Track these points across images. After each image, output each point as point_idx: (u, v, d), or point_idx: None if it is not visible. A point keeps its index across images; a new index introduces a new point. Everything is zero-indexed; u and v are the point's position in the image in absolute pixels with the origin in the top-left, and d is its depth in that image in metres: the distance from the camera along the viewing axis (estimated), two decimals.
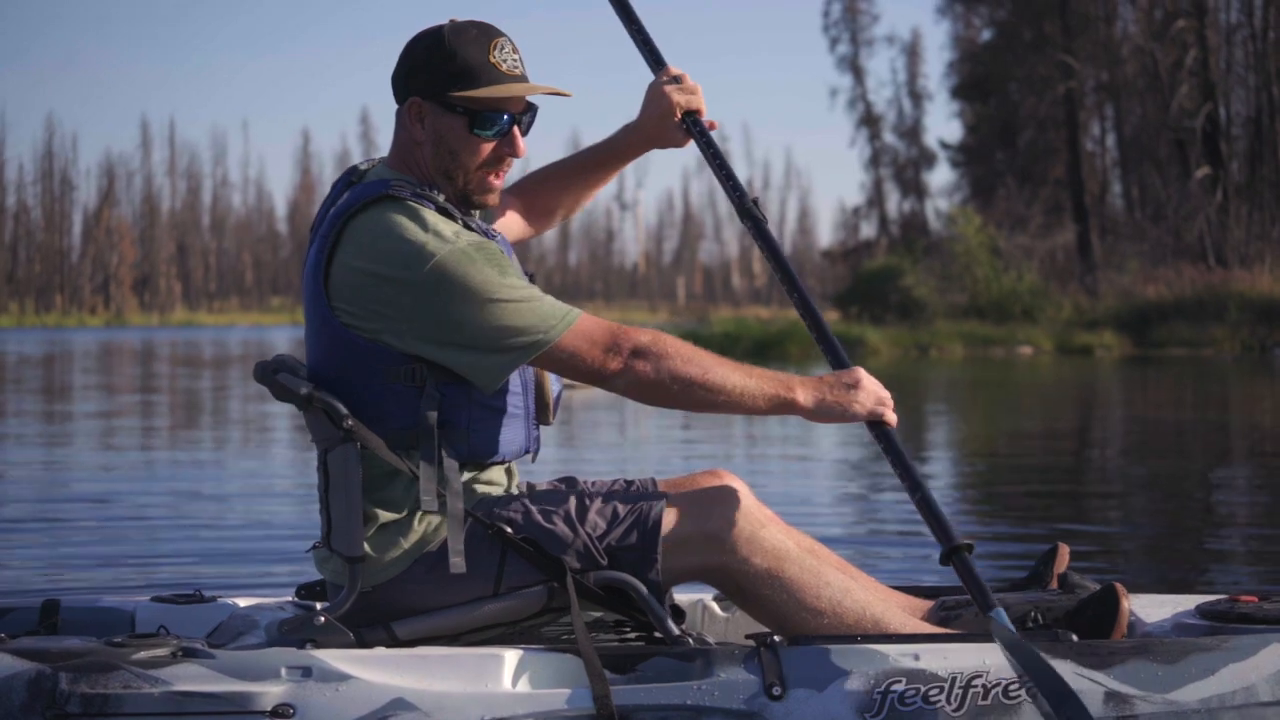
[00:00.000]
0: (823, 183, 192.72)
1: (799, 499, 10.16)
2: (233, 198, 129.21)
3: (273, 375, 3.84)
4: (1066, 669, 3.67)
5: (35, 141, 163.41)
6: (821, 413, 3.85)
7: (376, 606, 3.81)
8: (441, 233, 3.71)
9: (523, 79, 3.90)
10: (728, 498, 3.88)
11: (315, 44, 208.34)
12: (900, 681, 3.67)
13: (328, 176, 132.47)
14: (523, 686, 3.66)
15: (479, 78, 3.83)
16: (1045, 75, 57.06)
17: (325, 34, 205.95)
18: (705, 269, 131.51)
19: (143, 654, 3.61)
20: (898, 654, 3.70)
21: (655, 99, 4.29)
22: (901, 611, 3.98)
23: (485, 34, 3.86)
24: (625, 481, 4.14)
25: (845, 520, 9.32)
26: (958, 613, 4.10)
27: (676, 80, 4.30)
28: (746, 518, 3.85)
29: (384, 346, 3.75)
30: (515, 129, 3.90)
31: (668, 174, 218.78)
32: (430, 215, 3.75)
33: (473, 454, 3.84)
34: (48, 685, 3.56)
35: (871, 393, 3.89)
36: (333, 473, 3.80)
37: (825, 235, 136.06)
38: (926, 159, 77.03)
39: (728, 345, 40.24)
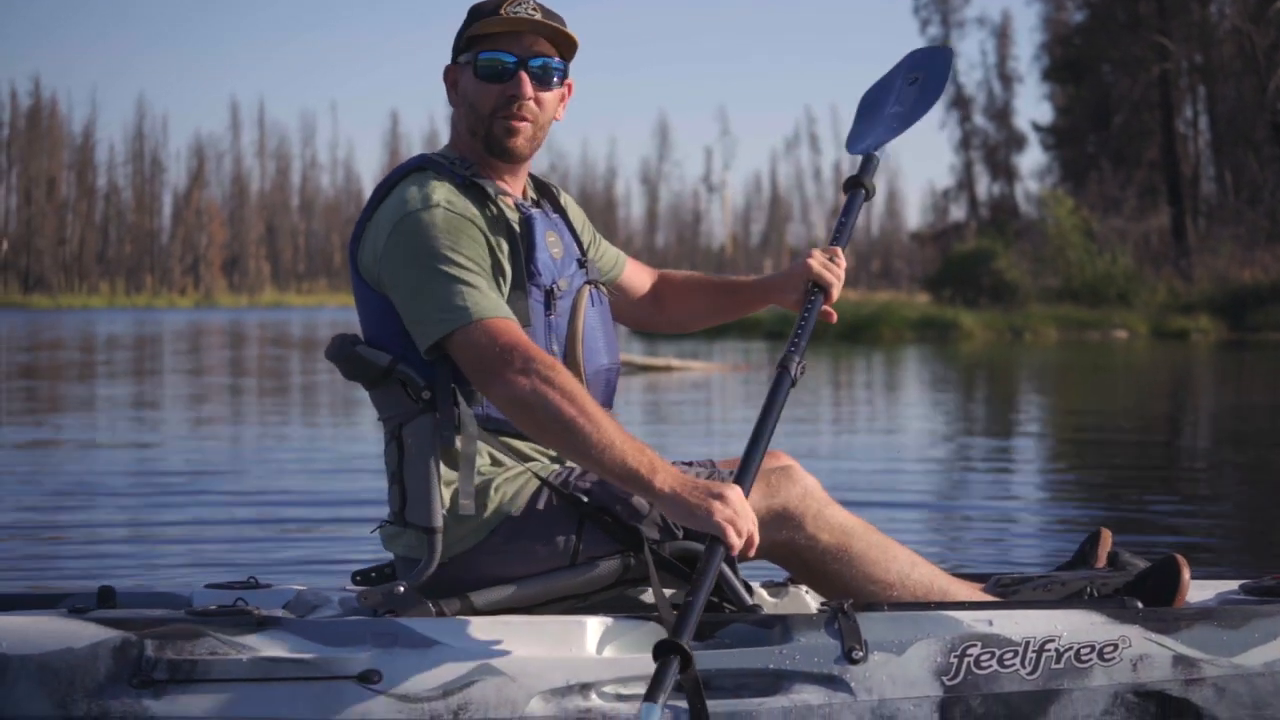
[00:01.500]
0: (911, 165, 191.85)
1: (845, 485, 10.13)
2: (321, 179, 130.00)
3: (351, 348, 3.87)
4: (1134, 633, 3.77)
5: (126, 123, 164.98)
6: (676, 504, 3.61)
7: (453, 577, 3.82)
8: (429, 197, 3.78)
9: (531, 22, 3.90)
10: (794, 477, 3.90)
11: (404, 24, 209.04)
12: (976, 645, 3.71)
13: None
14: (607, 652, 3.68)
15: (481, 21, 3.88)
16: (1140, 57, 56.44)
17: (414, 14, 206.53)
18: (792, 251, 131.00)
19: (230, 621, 3.63)
20: (971, 620, 3.74)
21: (799, 262, 4.29)
22: (970, 587, 4.01)
23: None
24: (684, 463, 4.09)
25: (887, 507, 9.27)
26: (1014, 589, 4.14)
27: (830, 257, 4.28)
28: (813, 495, 3.88)
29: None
30: (522, 73, 3.89)
31: (756, 156, 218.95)
32: (442, 183, 3.83)
33: (490, 419, 3.83)
34: (134, 652, 3.57)
35: (735, 513, 3.59)
36: (409, 445, 3.81)
37: (913, 218, 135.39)
38: (1016, 142, 76.66)
39: (820, 327, 40.05)
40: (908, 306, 45.95)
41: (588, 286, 4.01)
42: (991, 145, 77.24)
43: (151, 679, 3.55)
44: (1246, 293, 42.81)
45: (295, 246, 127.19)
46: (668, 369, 25.64)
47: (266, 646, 3.59)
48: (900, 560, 3.91)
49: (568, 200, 4.19)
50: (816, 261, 4.24)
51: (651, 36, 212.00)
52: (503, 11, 3.86)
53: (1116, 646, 3.76)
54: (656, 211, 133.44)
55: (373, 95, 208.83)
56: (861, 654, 3.66)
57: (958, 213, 77.25)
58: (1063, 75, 63.05)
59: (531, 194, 4.08)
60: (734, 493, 3.63)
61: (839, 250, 4.29)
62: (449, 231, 3.74)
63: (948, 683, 3.68)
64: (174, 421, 15.88)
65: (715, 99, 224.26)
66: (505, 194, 3.93)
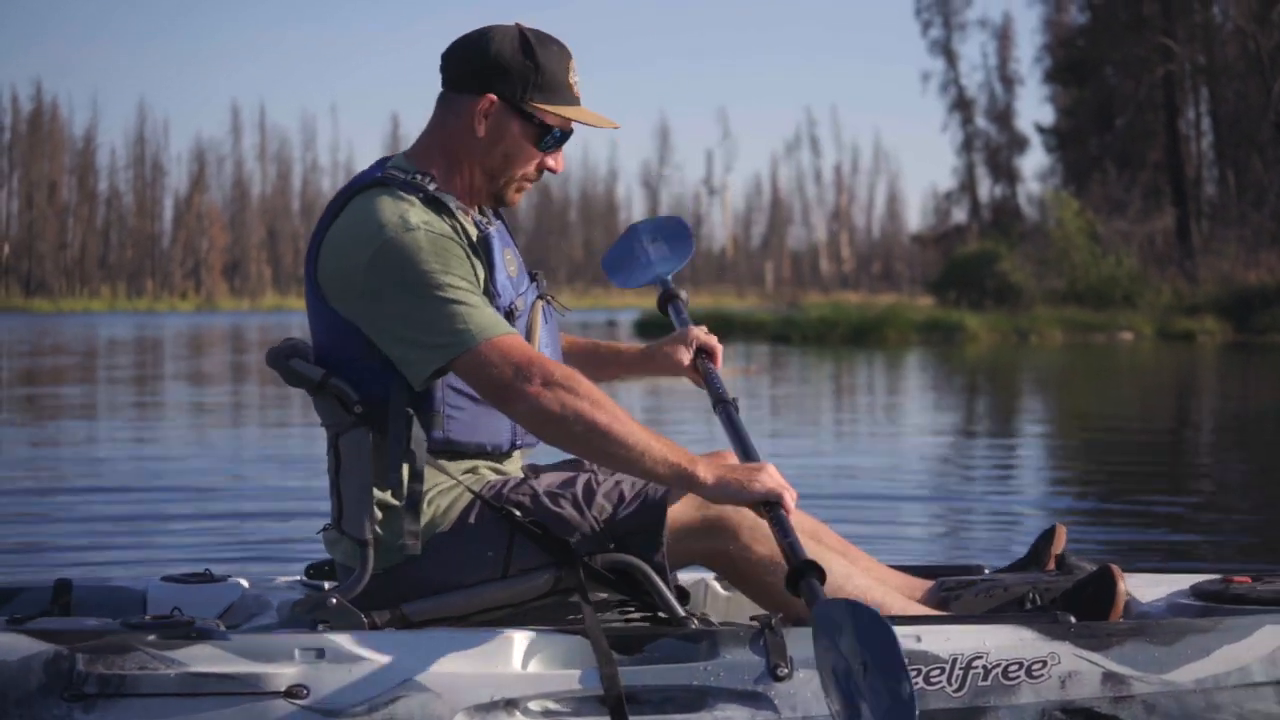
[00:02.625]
0: (911, 167, 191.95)
1: (810, 482, 10.14)
2: (323, 182, 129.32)
3: (285, 361, 3.94)
4: (1064, 649, 3.77)
5: (127, 127, 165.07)
6: (720, 489, 3.72)
7: (387, 588, 3.87)
8: (406, 219, 3.76)
9: (580, 102, 4.00)
10: None
11: (403, 26, 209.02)
12: None
13: None
14: (532, 667, 3.72)
15: (558, 95, 3.92)
16: (1143, 58, 56.30)
17: (413, 16, 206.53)
18: (793, 254, 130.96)
19: (158, 635, 3.68)
20: (900, 636, 3.58)
21: (681, 334, 4.46)
22: (902, 596, 4.03)
23: (565, 53, 3.96)
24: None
25: (851, 502, 9.30)
26: (957, 593, 4.15)
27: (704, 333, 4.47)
28: None
29: (356, 323, 3.82)
30: (562, 148, 4.02)
31: (756, 158, 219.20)
32: (407, 202, 3.81)
33: (449, 440, 3.89)
34: (65, 666, 3.62)
35: (774, 478, 3.73)
36: (344, 457, 3.87)
37: (914, 220, 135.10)
38: (1018, 144, 76.55)
39: (824, 330, 40.01)
40: (912, 309, 45.91)
41: (540, 302, 4.10)
42: (993, 147, 77.15)
43: (82, 692, 3.60)
44: (1252, 294, 42.75)
45: (296, 250, 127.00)
46: None
47: (195, 660, 3.64)
48: (834, 573, 3.88)
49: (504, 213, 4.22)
50: (695, 331, 4.43)
51: (651, 38, 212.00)
52: (572, 84, 3.95)
53: (1045, 663, 3.76)
54: (657, 214, 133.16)
55: (373, 97, 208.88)
56: (786, 671, 3.68)
57: (959, 215, 77.15)
58: (1065, 77, 62.96)
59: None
60: (766, 466, 3.73)
61: (704, 328, 4.46)
62: (436, 254, 3.74)
63: None
64: (170, 421, 15.87)
65: (716, 101, 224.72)
66: (465, 210, 3.95)
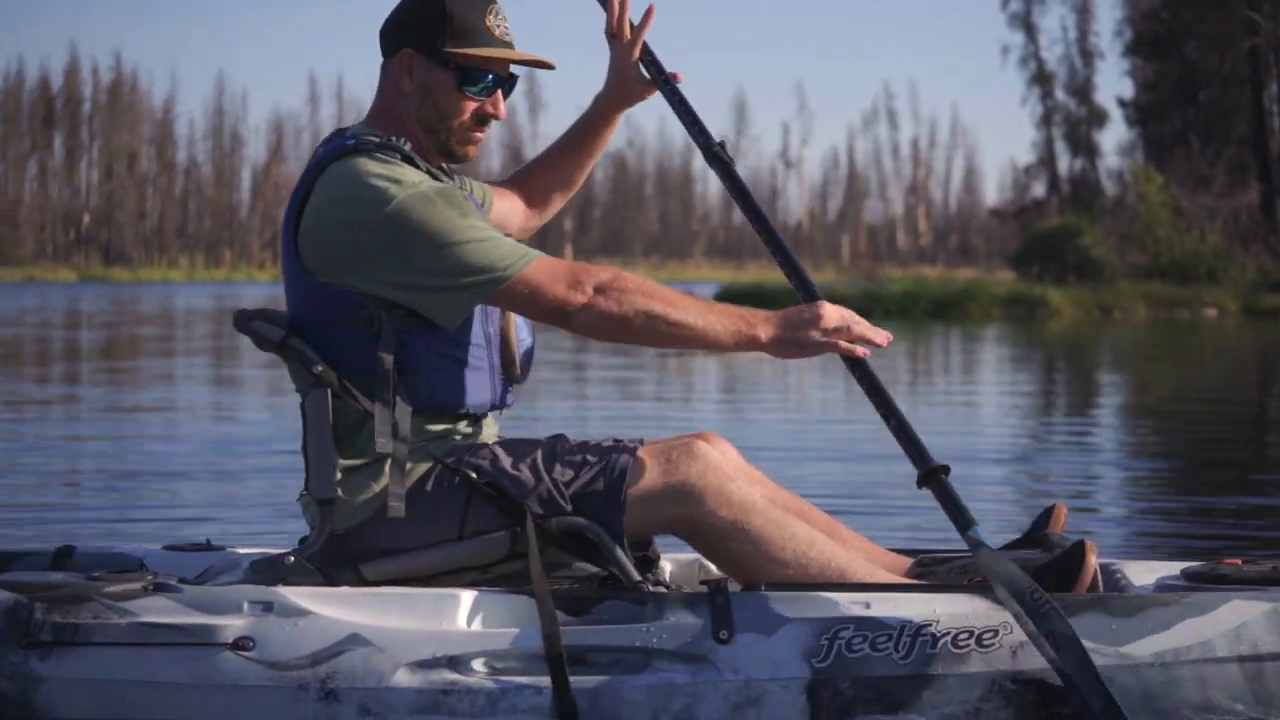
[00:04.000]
0: (989, 141, 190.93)
1: (803, 464, 10.16)
2: None
3: (248, 324, 3.99)
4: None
5: (206, 98, 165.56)
6: (785, 345, 3.87)
7: (347, 548, 3.92)
8: (402, 179, 3.83)
9: (511, 45, 4.05)
10: (696, 452, 3.93)
11: None
12: (848, 628, 3.72)
13: (494, 135, 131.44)
14: (476, 626, 3.77)
15: (474, 38, 3.98)
16: (1228, 31, 55.68)
17: None
18: (870, 227, 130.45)
19: (115, 588, 3.78)
20: (848, 602, 3.76)
21: (614, 55, 4.37)
22: (869, 565, 4.01)
23: None
24: (614, 440, 4.11)
25: (852, 487, 9.23)
26: (931, 569, 4.15)
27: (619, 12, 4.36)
28: (714, 471, 3.90)
29: (345, 291, 3.86)
30: (499, 91, 4.05)
31: (833, 132, 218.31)
32: (394, 164, 3.88)
33: (432, 402, 3.95)
34: (24, 615, 3.74)
35: (834, 318, 3.88)
36: (308, 418, 3.92)
37: (991, 194, 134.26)
38: (1097, 118, 75.89)
39: (906, 305, 39.79)
40: (994, 284, 45.60)
41: None
42: (1073, 121, 76.53)
43: (39, 640, 3.72)
44: None
45: None
46: None
47: (147, 612, 3.74)
48: (798, 539, 3.90)
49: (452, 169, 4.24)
50: (630, 44, 4.32)
51: (729, 12, 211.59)
52: (490, 27, 4.00)
53: (997, 633, 3.73)
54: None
55: None
56: (728, 634, 3.71)
57: (1038, 189, 76.61)
58: (1146, 50, 62.33)
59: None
60: (824, 308, 3.86)
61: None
62: (447, 202, 3.83)
63: (816, 665, 3.70)
64: (249, 391, 15.88)
65: (793, 75, 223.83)
66: (438, 173, 4.04)
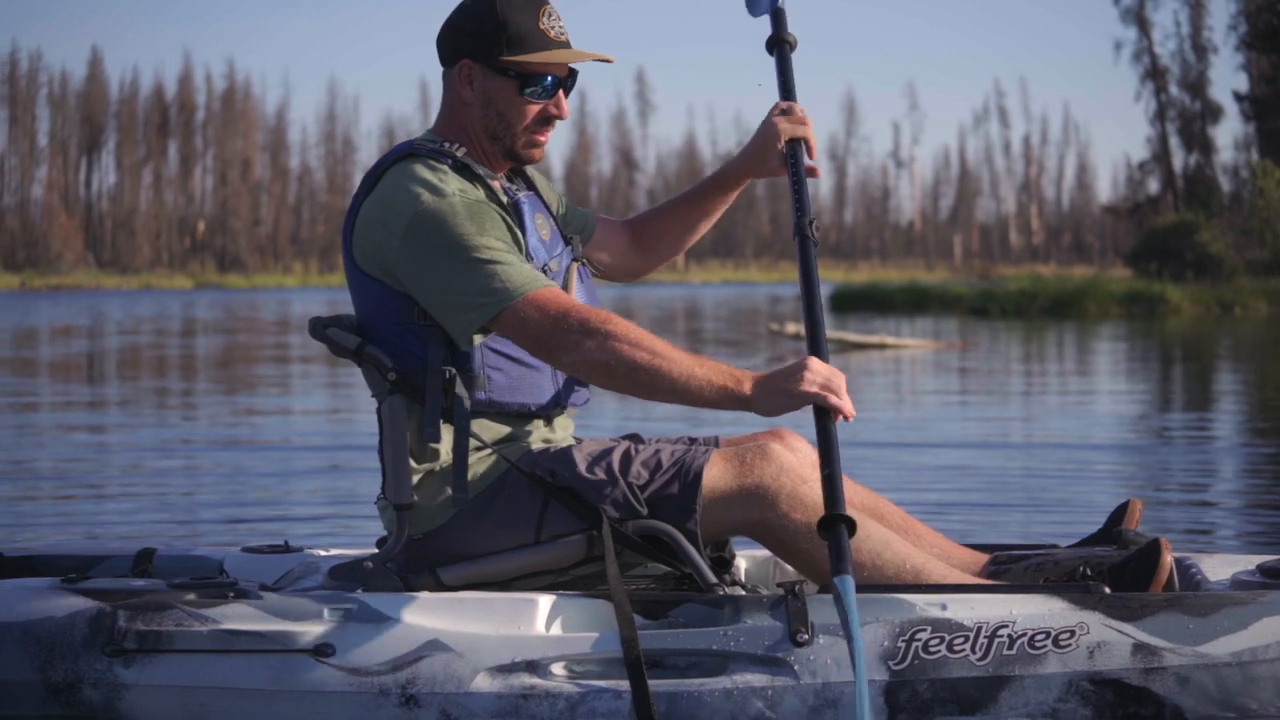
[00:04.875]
0: (1101, 137, 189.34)
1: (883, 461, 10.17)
2: None
3: (323, 331, 4.01)
4: (1094, 619, 3.71)
5: (318, 104, 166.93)
6: (772, 396, 3.75)
7: (424, 553, 3.95)
8: (438, 186, 3.86)
9: (567, 45, 4.04)
10: (771, 454, 3.92)
11: (595, 3, 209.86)
12: (925, 630, 3.71)
13: (604, 137, 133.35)
14: (554, 630, 3.79)
15: (529, 43, 3.97)
16: None
17: None
18: (982, 226, 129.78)
19: (196, 595, 3.83)
20: (924, 604, 3.74)
21: (762, 128, 4.32)
22: (945, 565, 4.00)
23: (535, 2, 4.01)
24: (689, 439, 4.19)
25: (926, 480, 9.25)
26: (1006, 567, 4.12)
27: (786, 112, 4.31)
28: (788, 473, 3.89)
29: (396, 290, 3.91)
30: (561, 91, 4.05)
31: (944, 130, 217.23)
32: (440, 170, 3.92)
33: (491, 401, 3.95)
34: (107, 622, 3.79)
35: (823, 372, 3.75)
36: (385, 423, 3.93)
37: (1104, 191, 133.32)
38: (1212, 113, 75.10)
39: (1024, 303, 39.50)
40: (1112, 281, 45.27)
41: (576, 265, 4.13)
42: (1188, 116, 75.76)
43: (122, 648, 3.76)
44: None
45: None
46: (881, 346, 25.30)
47: (229, 619, 3.79)
48: (873, 539, 3.89)
49: (535, 176, 4.27)
50: (783, 120, 4.27)
51: (839, 11, 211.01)
52: (545, 29, 3.99)
53: (1074, 633, 3.70)
54: (845, 187, 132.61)
55: None
56: (807, 637, 3.69)
57: (1152, 186, 75.91)
58: (1263, 44, 61.62)
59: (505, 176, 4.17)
60: (813, 362, 3.74)
61: (794, 104, 4.30)
62: (470, 217, 3.83)
63: (894, 667, 3.69)
64: (359, 393, 15.98)
65: (903, 73, 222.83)
66: (493, 177, 4.03)
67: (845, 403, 3.72)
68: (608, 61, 4.10)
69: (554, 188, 4.34)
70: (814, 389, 3.69)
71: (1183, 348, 26.69)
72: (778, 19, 4.45)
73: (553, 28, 4.00)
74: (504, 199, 3.98)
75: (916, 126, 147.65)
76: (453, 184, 3.87)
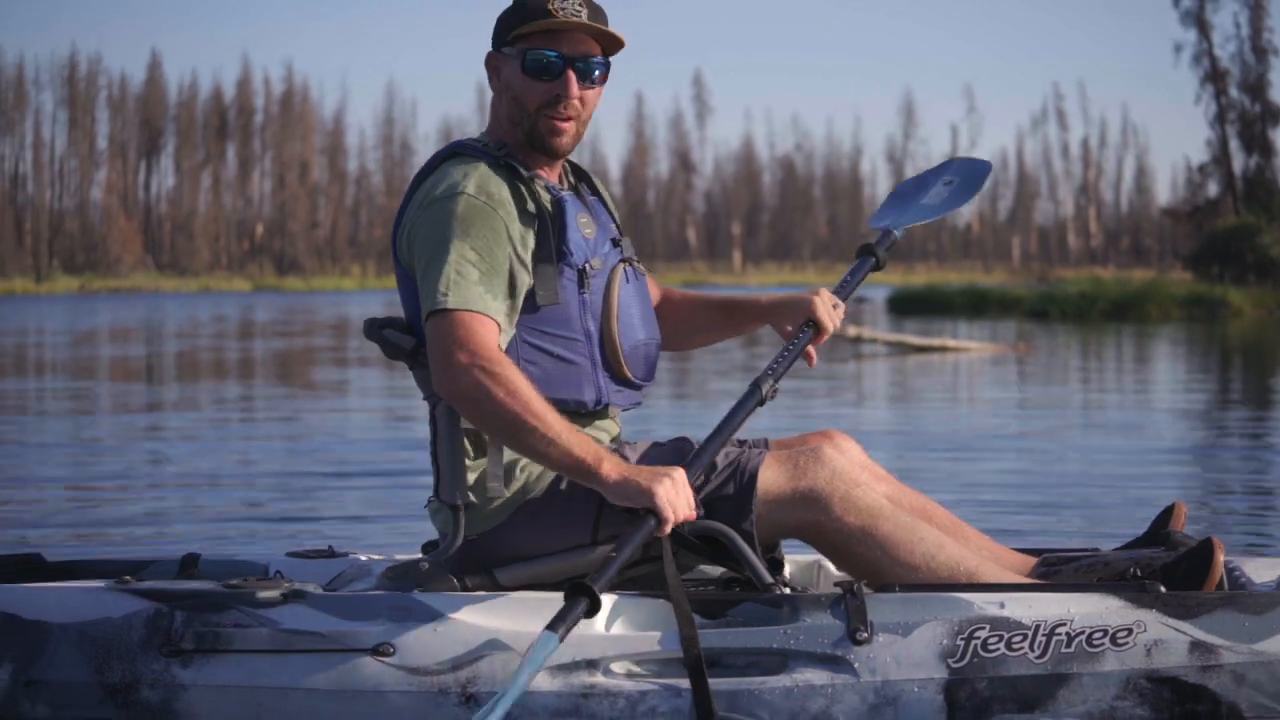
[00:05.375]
0: (1160, 140, 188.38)
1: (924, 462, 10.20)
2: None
3: (379, 331, 4.04)
4: (1151, 618, 3.74)
5: (376, 107, 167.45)
6: (620, 488, 3.75)
7: (480, 553, 3.97)
8: (456, 184, 3.92)
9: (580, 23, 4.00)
10: (824, 458, 3.97)
11: (649, 5, 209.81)
12: (984, 628, 3.73)
13: (660, 140, 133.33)
14: (615, 629, 3.81)
15: (531, 18, 3.98)
16: None
17: None
18: (1040, 229, 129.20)
19: (255, 595, 3.83)
20: (982, 602, 3.77)
21: (804, 297, 4.33)
22: (997, 566, 4.03)
23: None
24: (739, 441, 4.17)
25: (971, 487, 9.21)
26: (1056, 569, 4.12)
27: (834, 306, 4.31)
28: (841, 477, 3.94)
29: None
30: (570, 72, 4.00)
31: (1002, 133, 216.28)
32: (471, 169, 3.97)
33: None
34: (165, 623, 3.81)
35: (675, 493, 3.74)
36: (439, 425, 3.94)
37: (1163, 194, 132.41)
38: (1272, 115, 74.65)
39: (1084, 306, 39.28)
40: (1173, 284, 45.04)
41: (623, 265, 4.13)
42: (1248, 119, 75.33)
43: (180, 648, 3.78)
44: None
45: None
46: (943, 350, 25.23)
47: (287, 619, 3.80)
48: (926, 542, 3.93)
49: (604, 189, 4.29)
50: (822, 302, 4.28)
51: (896, 14, 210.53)
52: (552, 9, 3.96)
53: (1131, 631, 3.73)
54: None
55: (617, 76, 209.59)
56: (866, 635, 3.72)
57: (1211, 188, 75.49)
58: None
59: (569, 179, 4.19)
60: (678, 474, 3.75)
61: (842, 305, 4.33)
62: (464, 220, 3.87)
63: (953, 665, 3.72)
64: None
65: (961, 75, 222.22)
66: (538, 177, 4.04)
67: (669, 524, 3.71)
68: (616, 40, 4.05)
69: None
70: (663, 502, 3.69)
71: (1244, 351, 26.55)
72: (884, 238, 4.53)
73: (563, 8, 3.98)
74: (545, 196, 4.01)
75: (974, 129, 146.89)
76: (473, 184, 3.92)
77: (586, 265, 4.00)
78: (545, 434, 3.72)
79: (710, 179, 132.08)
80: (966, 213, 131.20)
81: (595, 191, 4.24)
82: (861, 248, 4.49)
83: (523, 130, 4.03)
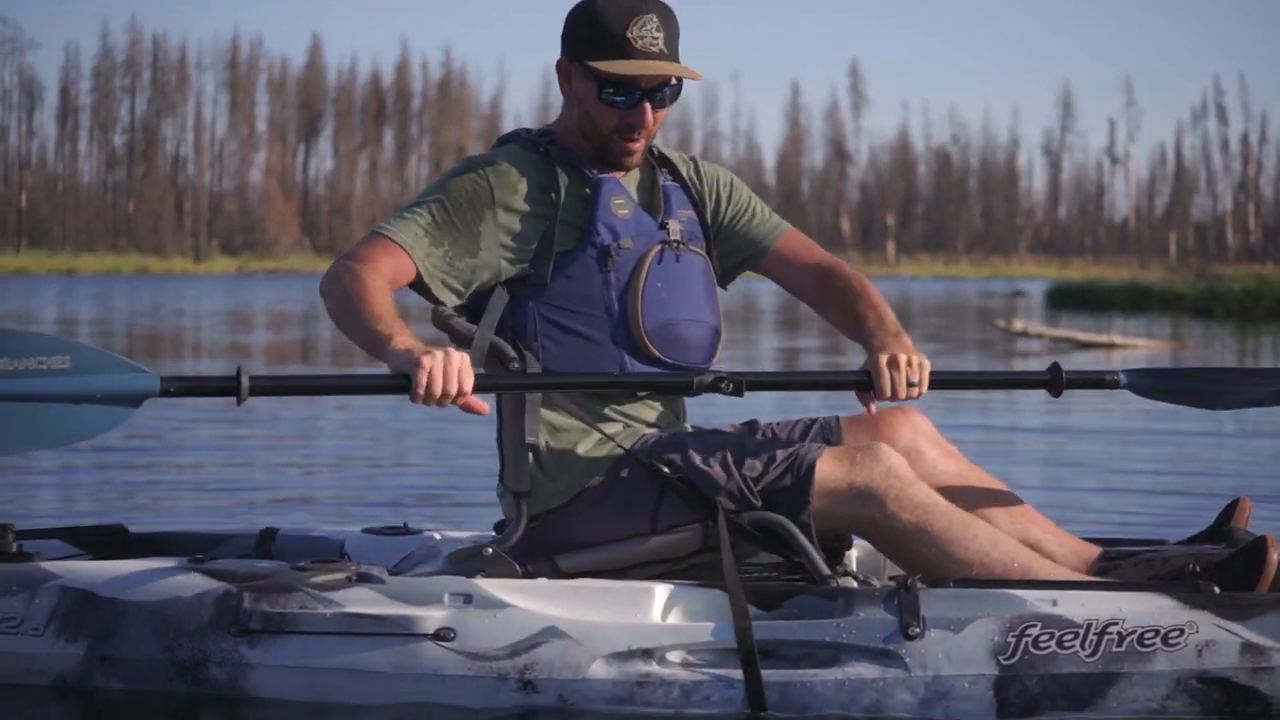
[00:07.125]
0: None
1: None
2: (722, 149, 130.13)
3: (446, 321, 4.10)
4: (1203, 618, 3.73)
5: (532, 93, 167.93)
6: (397, 356, 3.75)
7: (541, 539, 4.04)
8: (477, 162, 4.09)
9: (658, 56, 4.02)
10: (880, 455, 3.97)
11: None
12: (1035, 626, 3.74)
13: (816, 129, 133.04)
14: (671, 619, 3.86)
15: (613, 50, 4.00)
16: None
17: None
18: (1198, 224, 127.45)
19: (320, 578, 3.91)
20: (1035, 599, 3.77)
21: (887, 364, 4.05)
22: (1052, 565, 4.03)
23: (631, 9, 4.02)
24: (809, 420, 4.26)
25: (1041, 472, 9.16)
26: (1117, 563, 4.12)
27: (905, 382, 4.04)
28: (896, 475, 3.95)
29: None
30: (646, 103, 4.04)
31: (1161, 128, 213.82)
32: (504, 151, 4.13)
33: (549, 372, 4.03)
34: (233, 603, 3.90)
35: (442, 368, 3.70)
36: (505, 411, 4.05)
37: None
38: None
39: (1248, 303, 38.55)
40: None
41: (661, 246, 4.13)
42: None
43: (248, 628, 3.88)
44: None
45: None
46: (1110, 346, 24.93)
47: (352, 602, 3.87)
48: (981, 539, 3.95)
49: (707, 169, 4.32)
50: (899, 375, 4.03)
51: (1055, 5, 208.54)
52: (630, 37, 4.00)
53: (1183, 631, 3.72)
54: (1059, 183, 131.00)
55: (774, 65, 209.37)
56: (919, 630, 3.74)
57: None
58: None
59: (653, 161, 4.25)
60: (457, 355, 3.73)
61: (924, 383, 4.07)
62: (453, 185, 4.03)
63: (1004, 662, 3.73)
64: None
65: (1120, 68, 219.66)
66: (572, 164, 4.12)
67: (419, 391, 3.68)
68: (694, 77, 4.08)
69: (737, 187, 4.35)
70: (422, 373, 3.66)
71: None
72: (1109, 376, 4.29)
73: (641, 37, 4.01)
74: (580, 179, 4.10)
75: (1133, 123, 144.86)
76: (485, 159, 4.11)
77: (613, 245, 4.06)
78: (358, 317, 3.81)
79: (865, 169, 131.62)
80: (1123, 207, 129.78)
81: (678, 176, 4.28)
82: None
83: (594, 145, 4.10)
